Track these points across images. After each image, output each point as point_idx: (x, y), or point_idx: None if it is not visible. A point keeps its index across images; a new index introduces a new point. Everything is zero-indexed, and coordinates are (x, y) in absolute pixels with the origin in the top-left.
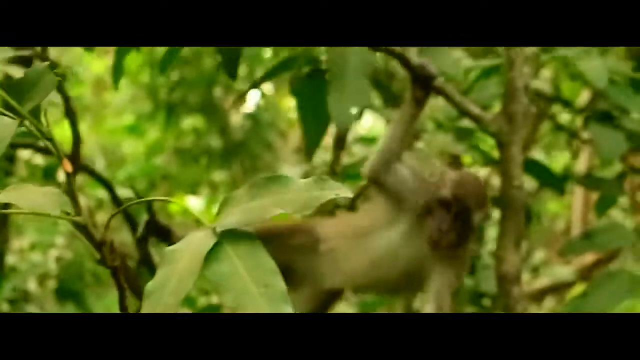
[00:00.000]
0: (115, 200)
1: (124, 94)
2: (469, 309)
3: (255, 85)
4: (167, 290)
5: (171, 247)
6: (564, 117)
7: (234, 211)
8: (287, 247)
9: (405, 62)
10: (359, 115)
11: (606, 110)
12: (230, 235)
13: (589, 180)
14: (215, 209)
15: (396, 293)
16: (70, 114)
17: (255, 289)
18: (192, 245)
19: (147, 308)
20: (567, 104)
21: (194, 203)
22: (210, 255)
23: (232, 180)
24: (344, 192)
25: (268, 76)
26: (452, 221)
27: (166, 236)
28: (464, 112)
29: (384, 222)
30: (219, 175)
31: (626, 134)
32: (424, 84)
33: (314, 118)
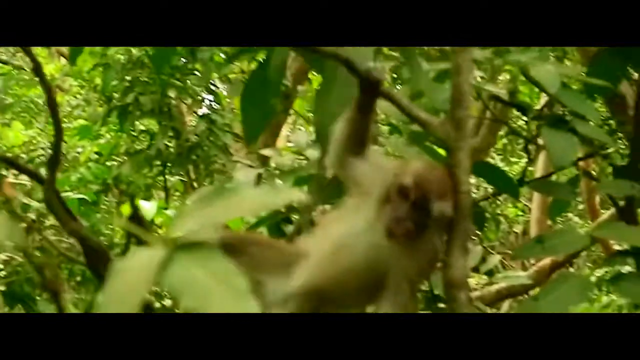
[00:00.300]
0: (63, 206)
1: (77, 96)
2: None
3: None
4: (119, 300)
5: (122, 260)
6: (522, 122)
7: (186, 221)
8: (246, 254)
9: (351, 67)
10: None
11: (559, 115)
12: (184, 245)
13: (541, 185)
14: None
15: (360, 297)
16: (52, 106)
17: (217, 287)
18: (144, 256)
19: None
20: (522, 109)
21: (147, 206)
22: (166, 264)
23: (187, 183)
24: (297, 196)
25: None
26: (410, 210)
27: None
28: (410, 117)
29: (352, 210)
30: (173, 179)
31: (580, 139)
32: (369, 88)
33: (257, 106)
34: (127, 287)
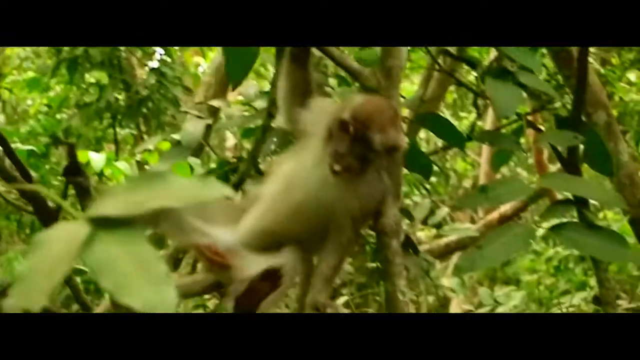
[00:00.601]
0: (11, 156)
1: (26, 48)
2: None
3: None
4: (40, 276)
5: (43, 234)
6: (473, 77)
7: (112, 202)
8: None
9: None
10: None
11: (503, 67)
12: (107, 224)
13: (485, 135)
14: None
15: (312, 239)
16: None
17: (136, 272)
18: (66, 232)
19: (17, 294)
20: (471, 64)
21: (96, 158)
22: (88, 242)
23: (137, 136)
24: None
25: None
26: (351, 144)
27: (82, 181)
28: (342, 67)
29: (299, 152)
30: (123, 132)
31: (529, 93)
32: None
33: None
34: (48, 264)
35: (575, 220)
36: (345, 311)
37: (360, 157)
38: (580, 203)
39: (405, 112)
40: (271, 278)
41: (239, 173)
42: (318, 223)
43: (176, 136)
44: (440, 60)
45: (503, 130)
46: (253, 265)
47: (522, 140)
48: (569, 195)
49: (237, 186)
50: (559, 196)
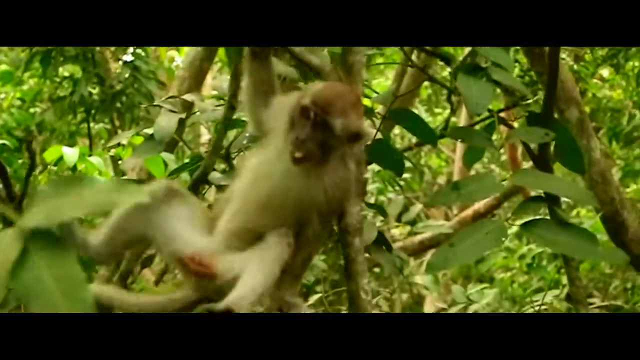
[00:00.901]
0: None
1: None
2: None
3: None
4: None
5: None
6: (447, 73)
7: (39, 210)
8: (187, 203)
9: None
10: None
11: (475, 63)
12: (38, 239)
13: (457, 132)
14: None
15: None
16: None
17: (63, 301)
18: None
19: None
20: (445, 59)
21: (69, 153)
22: (18, 262)
23: (111, 130)
24: (143, 197)
25: None
26: (312, 130)
27: None
28: (303, 63)
29: (265, 146)
30: (97, 126)
31: (503, 90)
32: None
33: None
34: None
35: (547, 217)
36: (309, 311)
37: (321, 143)
38: (551, 200)
39: (379, 108)
40: None
41: (202, 167)
42: (287, 215)
43: (149, 130)
44: (414, 56)
45: (476, 127)
46: (235, 265)
47: (496, 137)
48: (542, 193)
49: (201, 179)
50: (533, 193)
